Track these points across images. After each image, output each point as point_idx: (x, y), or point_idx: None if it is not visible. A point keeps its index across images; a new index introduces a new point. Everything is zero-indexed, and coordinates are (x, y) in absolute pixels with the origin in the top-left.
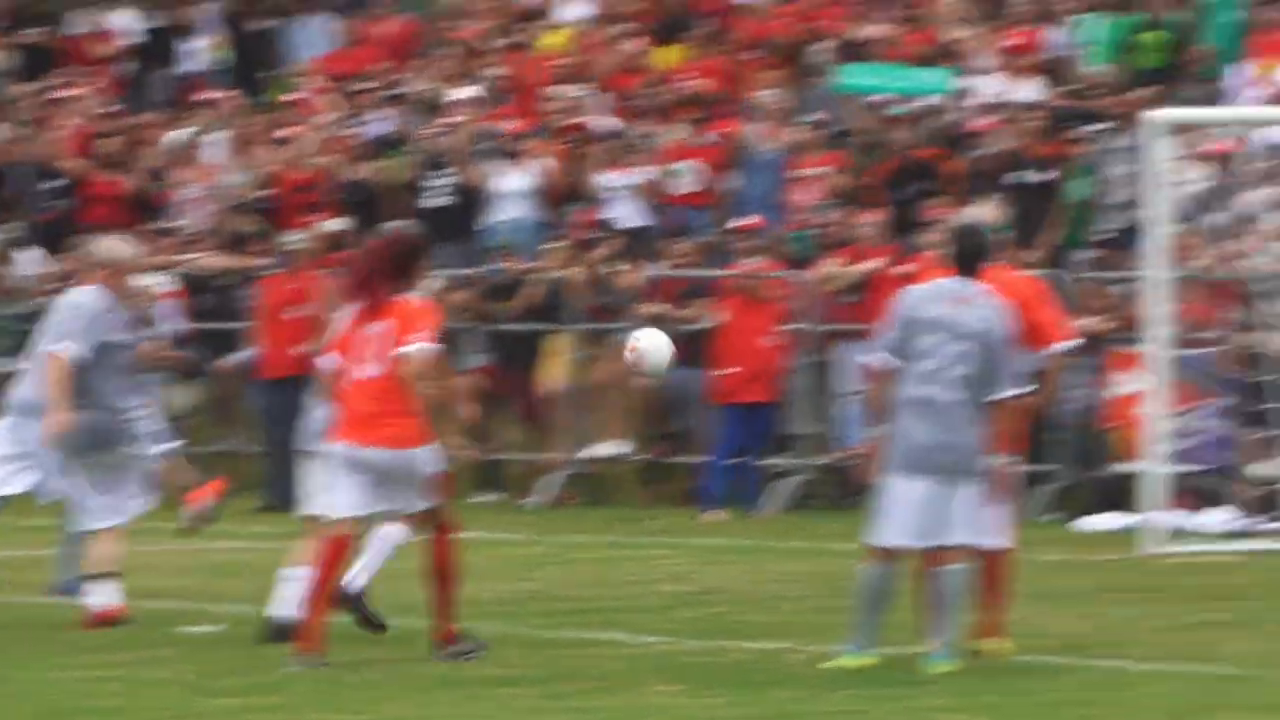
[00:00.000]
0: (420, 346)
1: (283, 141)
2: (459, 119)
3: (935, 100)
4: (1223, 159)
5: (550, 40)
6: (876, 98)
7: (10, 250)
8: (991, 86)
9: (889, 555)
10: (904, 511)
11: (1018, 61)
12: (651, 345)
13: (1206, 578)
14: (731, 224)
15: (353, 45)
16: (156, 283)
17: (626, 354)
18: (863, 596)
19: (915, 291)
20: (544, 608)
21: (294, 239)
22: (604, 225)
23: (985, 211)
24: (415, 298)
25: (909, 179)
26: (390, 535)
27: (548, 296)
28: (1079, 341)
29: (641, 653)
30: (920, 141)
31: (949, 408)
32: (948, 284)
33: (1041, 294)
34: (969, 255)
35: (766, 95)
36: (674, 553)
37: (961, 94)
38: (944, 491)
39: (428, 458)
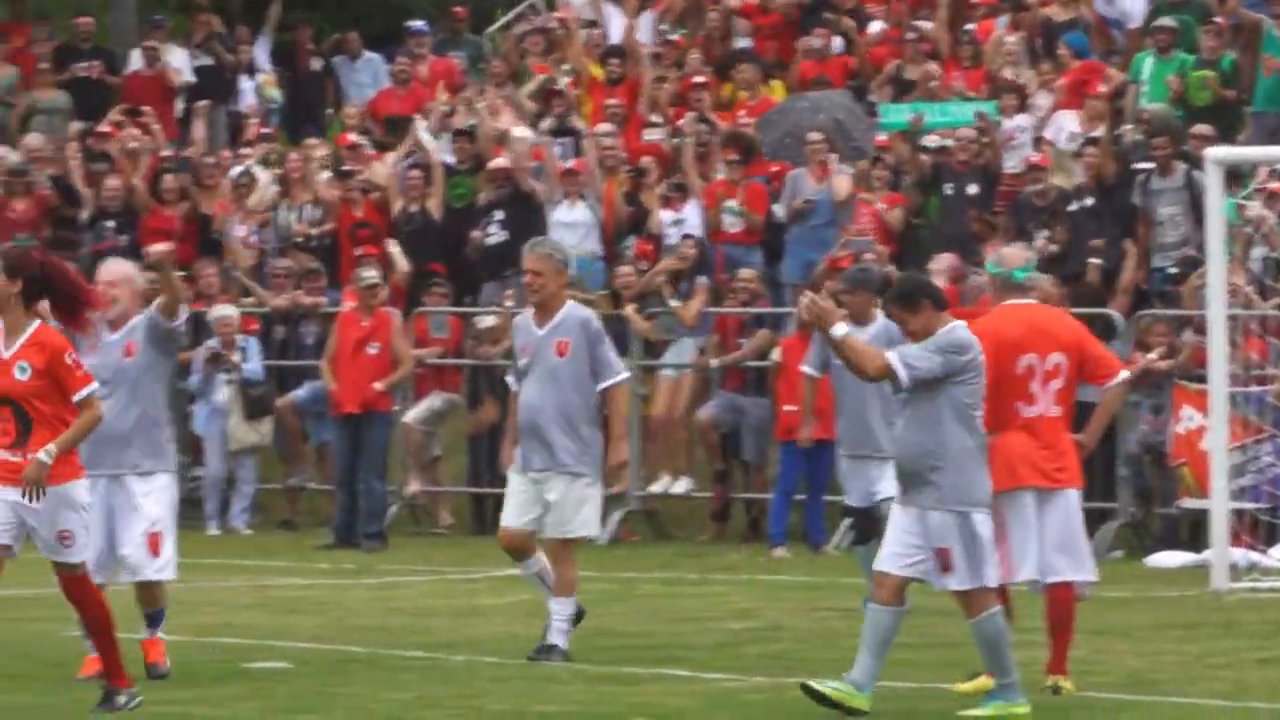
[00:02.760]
0: None
1: (345, 176)
2: (520, 153)
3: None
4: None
5: (600, 72)
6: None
7: None
8: (1049, 122)
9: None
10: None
11: (1075, 98)
12: None
13: (1273, 614)
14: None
15: (402, 84)
16: (230, 315)
17: None
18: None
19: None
20: (609, 644)
21: (367, 276)
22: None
23: (1018, 251)
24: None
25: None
26: None
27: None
28: (1128, 376)
29: (707, 689)
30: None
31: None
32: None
33: (1087, 330)
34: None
35: (814, 135)
36: (737, 589)
37: (1019, 130)
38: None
39: None
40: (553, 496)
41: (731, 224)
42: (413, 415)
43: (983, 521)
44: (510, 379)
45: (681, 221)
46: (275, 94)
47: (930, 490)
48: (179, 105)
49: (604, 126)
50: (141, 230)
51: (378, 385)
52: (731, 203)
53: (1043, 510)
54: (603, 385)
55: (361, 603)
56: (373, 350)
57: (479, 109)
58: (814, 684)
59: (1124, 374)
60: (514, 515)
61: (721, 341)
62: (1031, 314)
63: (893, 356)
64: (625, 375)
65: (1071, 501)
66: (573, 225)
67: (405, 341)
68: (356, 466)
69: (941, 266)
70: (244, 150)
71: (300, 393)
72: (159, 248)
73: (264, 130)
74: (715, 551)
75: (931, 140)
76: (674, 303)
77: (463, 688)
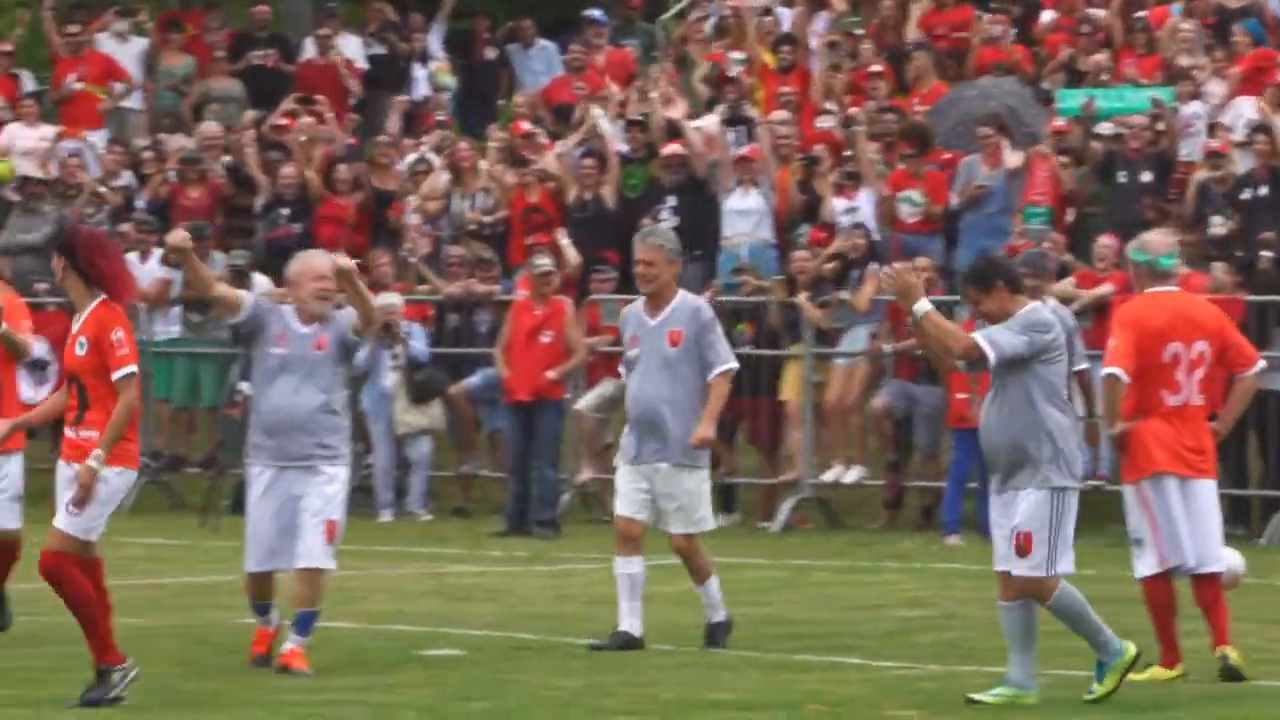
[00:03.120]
0: None
1: (519, 163)
2: (695, 142)
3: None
4: None
5: (772, 60)
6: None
7: (244, 273)
8: (1226, 109)
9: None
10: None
11: (1249, 85)
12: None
13: None
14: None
15: (576, 72)
16: (395, 303)
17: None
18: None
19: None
20: (781, 632)
21: (541, 263)
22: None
23: (1163, 237)
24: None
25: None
26: None
27: (783, 317)
28: (1264, 366)
29: (879, 677)
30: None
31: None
32: None
33: (1226, 317)
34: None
35: (985, 129)
36: (910, 577)
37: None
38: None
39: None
40: (666, 488)
41: (910, 213)
42: (585, 403)
43: (1074, 503)
44: (623, 369)
45: (854, 210)
46: (449, 81)
47: (1032, 469)
48: (355, 93)
49: (778, 114)
50: (315, 219)
51: (550, 373)
52: (912, 193)
53: (1185, 498)
54: (713, 374)
55: (534, 590)
56: (546, 339)
57: (653, 97)
58: (978, 696)
59: (1261, 363)
60: (631, 507)
61: (895, 329)
62: (1175, 301)
63: (979, 335)
64: (733, 365)
65: (1211, 491)
66: (746, 213)
67: (578, 330)
68: (529, 454)
69: (1104, 251)
70: (421, 139)
71: (473, 380)
72: (344, 261)
73: (438, 118)
74: (888, 539)
75: (1106, 128)
76: (844, 294)
77: (634, 675)
